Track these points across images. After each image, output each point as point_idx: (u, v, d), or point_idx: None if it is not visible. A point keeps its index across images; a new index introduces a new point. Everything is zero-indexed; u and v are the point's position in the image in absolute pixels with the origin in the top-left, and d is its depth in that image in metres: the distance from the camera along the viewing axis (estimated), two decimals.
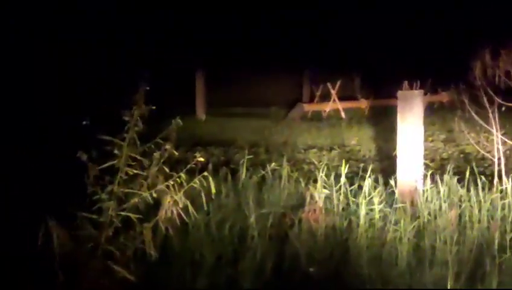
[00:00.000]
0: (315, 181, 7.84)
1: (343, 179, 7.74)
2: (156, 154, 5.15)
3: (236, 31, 22.04)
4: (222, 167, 8.85)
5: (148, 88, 5.18)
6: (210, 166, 7.75)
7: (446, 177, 7.91)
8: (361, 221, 6.86)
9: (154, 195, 5.20)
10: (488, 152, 9.07)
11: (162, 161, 5.18)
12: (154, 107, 5.14)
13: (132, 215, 5.14)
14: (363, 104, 21.74)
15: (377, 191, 7.48)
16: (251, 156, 9.19)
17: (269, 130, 16.64)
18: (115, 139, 5.08)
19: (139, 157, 5.12)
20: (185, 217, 5.38)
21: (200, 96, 21.08)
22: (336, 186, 7.70)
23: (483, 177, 7.86)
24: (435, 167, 9.89)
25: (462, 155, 12.25)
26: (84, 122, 5.18)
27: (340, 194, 7.59)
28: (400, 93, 8.21)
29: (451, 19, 21.61)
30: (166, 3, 20.40)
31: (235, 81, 24.10)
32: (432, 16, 21.86)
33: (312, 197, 7.36)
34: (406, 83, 8.27)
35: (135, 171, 5.12)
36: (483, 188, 7.54)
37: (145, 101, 5.21)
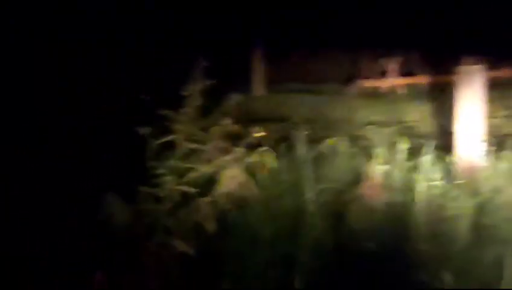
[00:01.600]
0: (373, 157, 7.80)
1: (403, 154, 7.67)
2: (215, 129, 5.17)
3: (291, 9, 21.89)
4: (279, 142, 8.83)
5: (206, 63, 5.19)
6: (268, 141, 7.74)
7: (507, 153, 7.78)
8: (421, 197, 6.79)
9: (213, 169, 5.23)
10: None
11: (221, 135, 5.20)
12: (214, 82, 5.15)
13: (191, 190, 5.17)
14: (422, 79, 21.45)
15: (437, 167, 7.40)
16: (308, 132, 9.16)
17: (327, 106, 16.50)
18: (174, 114, 5.11)
19: (198, 132, 5.14)
20: (243, 192, 5.40)
21: (256, 73, 21.00)
22: (394, 162, 7.65)
23: None
24: (496, 143, 9.70)
25: None
26: (143, 97, 5.23)
27: (399, 170, 7.54)
28: (459, 68, 8.08)
29: None
30: None
31: (292, 58, 23.93)
32: None
33: (370, 173, 7.32)
34: (466, 57, 8.14)
35: (194, 146, 5.14)
36: None
37: (204, 76, 5.23)
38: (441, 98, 16.47)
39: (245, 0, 20.84)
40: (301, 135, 8.57)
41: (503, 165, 7.41)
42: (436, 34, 22.12)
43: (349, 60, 24.64)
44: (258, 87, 20.78)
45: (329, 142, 8.52)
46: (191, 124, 5.09)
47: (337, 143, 8.52)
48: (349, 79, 21.70)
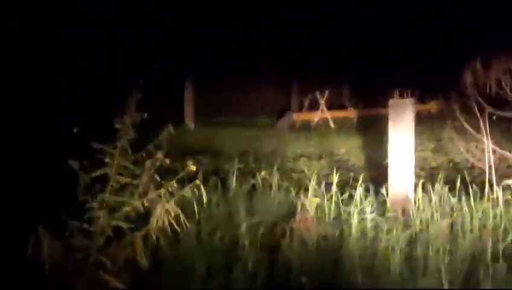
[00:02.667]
0: (306, 190, 7.81)
1: (334, 188, 7.71)
2: (148, 163, 5.09)
3: (224, 40, 21.97)
4: (212, 176, 8.78)
5: (140, 95, 5.13)
6: (200, 175, 7.72)
7: (437, 186, 7.88)
8: (353, 230, 6.82)
9: (146, 204, 5.15)
10: (479, 161, 9.05)
11: (153, 169, 5.13)
12: (146, 115, 5.08)
13: (123, 224, 5.08)
14: (352, 113, 21.74)
15: (368, 200, 7.44)
16: (240, 165, 9.15)
17: (258, 139, 16.56)
18: (106, 147, 5.02)
19: (130, 166, 5.06)
20: (176, 226, 5.32)
21: (189, 105, 20.98)
22: (326, 195, 7.67)
23: (474, 186, 7.85)
24: (425, 176, 9.83)
25: (451, 164, 12.22)
26: (75, 130, 5.13)
27: (331, 203, 7.57)
28: (391, 101, 8.20)
29: (441, 27, 21.60)
30: (158, 11, 20.33)
31: (224, 90, 24.01)
32: (422, 24, 21.86)
33: (303, 206, 7.32)
34: (396, 91, 8.26)
35: (126, 180, 5.06)
36: (474, 197, 7.53)
37: (137, 108, 5.16)
38: (372, 131, 16.73)
39: (178, 33, 20.86)
40: (234, 168, 8.56)
41: (434, 197, 7.50)
42: (367, 68, 22.49)
43: (280, 93, 24.85)
44: (190, 120, 20.75)
45: (262, 175, 8.50)
46: (124, 158, 5.01)
47: (269, 176, 8.51)
48: (281, 112, 21.87)
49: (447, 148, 13.80)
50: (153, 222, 5.15)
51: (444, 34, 21.31)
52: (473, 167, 11.31)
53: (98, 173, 5.01)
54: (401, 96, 8.25)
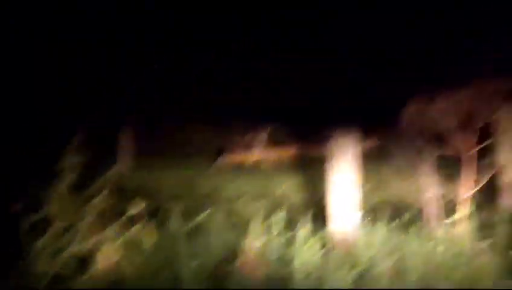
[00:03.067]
0: (247, 231, 7.72)
1: (276, 228, 7.64)
2: (92, 205, 4.95)
3: (156, 81, 21.82)
4: (149, 218, 8.62)
5: (84, 136, 5.00)
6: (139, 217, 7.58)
7: (380, 224, 7.87)
8: (299, 271, 6.74)
9: (89, 247, 5.00)
10: (420, 200, 9.09)
11: (97, 211, 4.99)
12: (88, 156, 4.95)
13: (62, 271, 4.92)
14: (289, 152, 21.75)
15: (312, 239, 7.38)
16: (179, 207, 9.02)
17: (195, 179, 16.41)
18: (47, 189, 4.87)
19: (72, 208, 4.91)
20: (120, 269, 5.18)
21: (124, 146, 20.72)
22: (268, 235, 7.59)
23: (417, 224, 7.87)
24: (367, 214, 9.82)
25: (390, 203, 12.26)
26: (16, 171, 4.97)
27: (274, 243, 7.49)
28: (332, 139, 8.18)
29: (379, 63, 21.75)
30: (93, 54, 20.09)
31: (160, 131, 23.84)
32: (363, 57, 21.97)
33: (246, 246, 7.23)
34: (338, 129, 8.27)
35: (69, 223, 4.91)
36: (418, 235, 7.54)
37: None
38: (311, 169, 16.74)
39: (109, 73, 20.65)
40: (173, 210, 8.42)
41: (378, 235, 7.48)
42: (302, 106, 22.53)
43: (217, 134, 24.77)
44: (125, 162, 20.48)
45: (201, 217, 8.38)
46: (65, 200, 4.86)
47: (210, 217, 8.40)
48: (218, 152, 21.77)
49: (385, 186, 13.89)
50: (97, 266, 4.99)
51: (382, 70, 21.49)
52: (411, 205, 11.40)
53: (36, 217, 4.84)
54: (344, 133, 8.26)
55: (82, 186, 5.01)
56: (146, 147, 21.87)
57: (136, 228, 5.26)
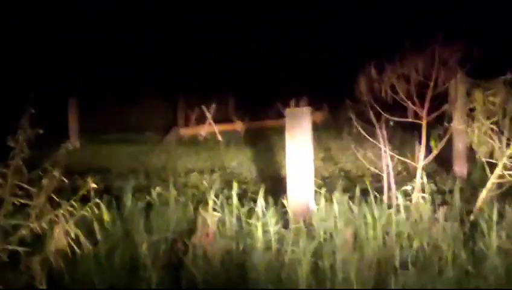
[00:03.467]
0: (203, 204, 7.60)
1: (234, 201, 7.53)
2: (45, 182, 4.76)
3: (108, 56, 21.59)
4: (102, 194, 8.44)
5: (32, 111, 4.80)
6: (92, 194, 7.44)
7: (336, 194, 7.80)
8: (258, 243, 6.65)
9: (43, 225, 4.81)
10: (376, 168, 9.06)
11: (50, 189, 4.80)
12: (41, 131, 4.76)
13: (19, 249, 4.74)
14: (239, 126, 21.63)
15: (269, 212, 7.28)
16: (132, 182, 8.86)
17: (146, 155, 16.22)
18: None
19: (25, 186, 4.72)
20: (75, 248, 5.01)
21: (73, 123, 20.37)
22: (226, 208, 7.48)
23: (372, 194, 7.82)
24: (322, 185, 9.75)
25: (344, 173, 12.26)
26: None
27: (232, 216, 7.38)
28: (288, 111, 8.09)
29: (329, 33, 21.76)
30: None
31: (109, 108, 23.57)
32: (308, 30, 21.96)
33: (203, 220, 7.11)
34: (293, 100, 8.18)
35: (21, 201, 4.71)
36: (374, 205, 7.50)
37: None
38: (261, 143, 16.70)
39: (59, 49, 20.36)
40: (127, 185, 8.26)
41: (335, 207, 7.41)
42: (252, 80, 22.47)
43: (166, 108, 24.55)
44: (75, 138, 20.18)
45: (156, 191, 8.23)
46: (18, 177, 4.67)
47: (164, 191, 8.25)
48: (168, 127, 21.56)
49: (337, 158, 13.91)
50: (51, 245, 4.82)
51: (333, 40, 21.48)
52: (363, 175, 11.42)
53: None
54: (297, 105, 8.18)
55: (32, 163, 4.83)
56: (94, 125, 21.64)
57: (89, 206, 5.08)
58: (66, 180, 4.91)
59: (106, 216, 5.26)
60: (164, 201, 8.09)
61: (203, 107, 21.33)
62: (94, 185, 5.07)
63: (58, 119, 20.13)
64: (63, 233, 4.78)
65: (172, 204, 7.98)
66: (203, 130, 21.05)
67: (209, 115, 21.15)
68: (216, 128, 21.00)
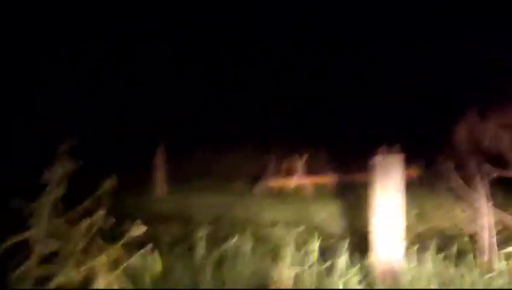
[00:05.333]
0: (282, 259, 6.90)
1: (314, 257, 6.80)
2: (84, 223, 4.12)
3: (196, 106, 21.33)
4: (179, 243, 7.88)
5: (74, 142, 4.17)
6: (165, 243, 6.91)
7: (430, 254, 6.99)
8: None
9: (83, 274, 4.15)
10: (474, 226, 8.20)
11: (92, 231, 4.16)
12: (81, 162, 4.12)
13: None
14: (330, 179, 20.89)
15: (352, 270, 6.51)
16: (211, 231, 8.28)
17: (233, 205, 15.66)
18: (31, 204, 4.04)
19: (61, 227, 4.08)
20: None
21: (160, 170, 20.05)
22: (305, 264, 6.75)
23: (470, 255, 6.98)
24: (413, 244, 8.93)
25: (439, 232, 11.34)
26: None
27: (311, 273, 6.63)
28: (377, 158, 7.35)
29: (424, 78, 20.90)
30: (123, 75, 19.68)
31: (198, 155, 23.21)
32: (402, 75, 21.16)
33: (279, 276, 6.40)
34: (383, 147, 7.44)
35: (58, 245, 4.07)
36: (472, 266, 6.66)
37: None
38: (352, 197, 15.92)
39: (146, 95, 20.18)
40: (202, 235, 7.67)
41: (427, 266, 6.60)
42: (344, 132, 21.75)
43: (257, 158, 24.05)
44: (161, 187, 19.87)
45: (233, 241, 7.61)
46: (53, 217, 4.05)
47: (241, 244, 7.61)
48: (258, 178, 21.00)
49: (431, 215, 13.04)
50: None
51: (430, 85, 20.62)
52: (460, 234, 10.53)
53: (17, 238, 4.01)
54: (389, 152, 7.43)
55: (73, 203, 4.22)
56: (182, 173, 21.25)
57: (140, 254, 4.42)
58: (113, 220, 4.24)
59: (160, 266, 4.56)
60: (240, 254, 7.46)
61: (296, 158, 20.72)
62: (143, 228, 4.38)
63: (145, 167, 19.91)
64: (107, 284, 4.12)
65: (248, 257, 7.34)
66: (293, 182, 20.41)
67: (299, 166, 20.50)
68: (306, 180, 20.34)
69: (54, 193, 4.09)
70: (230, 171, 22.79)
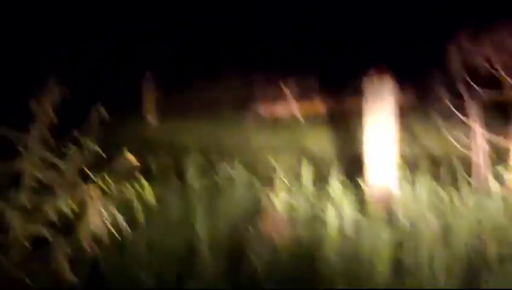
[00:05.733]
0: (274, 185, 6.85)
1: (306, 183, 6.74)
2: (74, 153, 4.01)
3: (187, 32, 21.09)
4: (171, 172, 7.81)
5: (63, 71, 4.04)
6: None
7: (422, 178, 6.94)
8: (331, 230, 5.84)
9: (75, 204, 4.07)
10: (468, 149, 8.17)
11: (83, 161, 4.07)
12: (68, 91, 4.00)
13: (46, 232, 4.02)
14: (320, 105, 20.82)
15: (346, 196, 6.47)
16: (202, 160, 8.22)
17: (223, 133, 15.62)
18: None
19: (51, 158, 3.98)
20: (116, 234, 4.27)
21: (150, 100, 19.96)
22: (297, 191, 6.69)
23: (462, 178, 6.94)
24: (405, 167, 8.90)
25: (429, 155, 11.32)
26: None
27: (303, 200, 6.58)
28: (367, 81, 7.24)
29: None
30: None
31: (188, 84, 23.04)
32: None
33: (272, 204, 6.36)
34: (373, 70, 7.32)
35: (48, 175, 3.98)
36: (465, 190, 6.64)
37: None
38: (341, 123, 15.89)
39: (137, 28, 19.95)
40: (192, 163, 7.60)
41: (420, 190, 6.57)
42: (334, 57, 21.58)
43: (246, 86, 23.90)
44: (151, 115, 19.82)
45: (223, 169, 7.54)
46: (43, 148, 3.95)
47: (232, 170, 7.54)
48: (247, 105, 20.92)
49: (424, 139, 13.04)
50: (85, 227, 4.09)
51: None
52: (450, 157, 10.53)
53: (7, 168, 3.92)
54: (379, 74, 7.31)
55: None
56: (170, 101, 21.15)
57: (137, 181, 4.34)
58: (102, 154, 4.13)
59: (153, 197, 4.49)
60: (233, 181, 7.40)
61: (284, 86, 20.61)
62: (133, 159, 4.28)
63: (136, 97, 19.80)
64: (98, 213, 4.04)
65: (239, 184, 7.28)
66: (282, 109, 20.35)
67: (289, 94, 20.41)
68: (296, 107, 20.27)
69: (43, 122, 3.99)
70: (220, 99, 22.70)
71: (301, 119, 19.09)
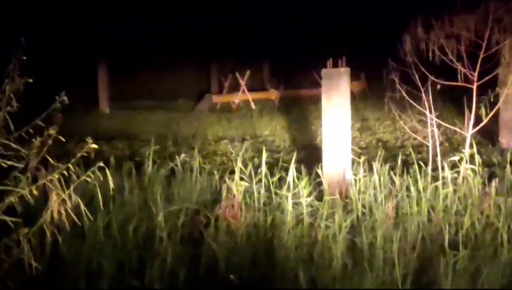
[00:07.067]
0: (231, 173, 6.91)
1: (263, 170, 6.81)
2: (36, 141, 4.04)
3: (141, 22, 20.96)
4: (127, 161, 7.82)
5: (24, 58, 4.05)
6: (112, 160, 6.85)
7: (377, 165, 7.05)
8: (288, 217, 5.93)
9: (35, 192, 4.10)
10: (422, 137, 8.32)
11: (44, 149, 4.09)
12: (30, 80, 4.02)
13: (7, 219, 4.05)
14: (273, 94, 20.91)
15: (302, 182, 6.56)
16: (158, 148, 8.25)
17: (177, 122, 15.63)
18: None
19: (13, 145, 4.00)
20: (76, 219, 4.30)
21: (103, 89, 19.87)
22: (254, 178, 6.76)
23: (415, 165, 7.06)
24: (359, 155, 9.01)
25: (382, 143, 11.48)
26: None
27: (260, 186, 6.65)
28: (324, 71, 7.35)
29: None
30: None
31: (140, 74, 22.96)
32: None
33: (229, 190, 6.42)
34: (330, 60, 7.43)
35: (9, 163, 4.00)
36: (418, 176, 6.77)
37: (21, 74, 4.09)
38: (295, 112, 16.01)
39: (90, 15, 19.77)
40: (150, 152, 7.61)
41: (374, 178, 6.68)
42: (287, 48, 21.64)
43: (199, 76, 23.90)
44: (104, 104, 19.74)
45: (181, 157, 7.56)
46: (4, 135, 3.98)
47: (190, 159, 7.58)
48: (200, 95, 20.92)
49: (375, 128, 13.20)
50: (47, 215, 4.12)
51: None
52: (402, 145, 10.72)
53: None
54: (335, 65, 7.43)
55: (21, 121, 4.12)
56: (125, 91, 21.09)
57: (100, 170, 4.37)
58: (63, 140, 4.15)
59: (113, 184, 4.52)
60: (189, 169, 7.44)
61: (237, 75, 20.64)
62: (94, 146, 4.30)
63: (88, 85, 19.69)
64: (60, 202, 4.08)
65: (196, 172, 7.33)
66: (236, 98, 20.38)
67: (242, 83, 20.45)
68: (250, 96, 20.32)
69: (3, 109, 4.00)
70: (175, 89, 22.68)
71: (257, 109, 19.15)
